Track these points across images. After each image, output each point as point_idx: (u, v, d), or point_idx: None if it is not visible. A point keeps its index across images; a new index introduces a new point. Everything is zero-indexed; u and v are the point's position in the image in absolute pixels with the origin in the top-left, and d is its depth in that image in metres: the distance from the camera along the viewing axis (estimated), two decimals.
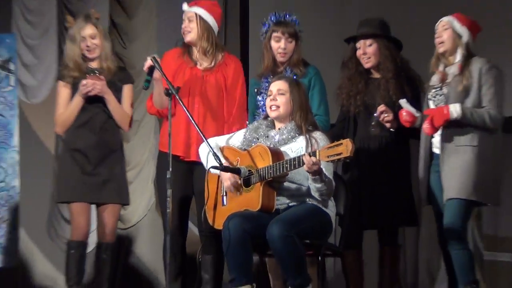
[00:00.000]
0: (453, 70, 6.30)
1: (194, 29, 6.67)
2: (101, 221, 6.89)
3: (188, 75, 6.65)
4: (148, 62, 6.33)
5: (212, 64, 6.70)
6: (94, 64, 6.94)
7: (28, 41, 9.47)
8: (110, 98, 6.82)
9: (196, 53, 6.74)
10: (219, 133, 6.49)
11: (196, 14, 6.68)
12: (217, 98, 6.66)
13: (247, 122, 6.63)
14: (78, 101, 6.83)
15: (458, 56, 6.30)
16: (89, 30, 6.88)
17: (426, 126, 6.14)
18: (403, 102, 6.35)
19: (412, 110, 6.33)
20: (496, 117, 6.16)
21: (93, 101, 6.80)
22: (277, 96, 6.03)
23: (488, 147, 6.23)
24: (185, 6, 6.76)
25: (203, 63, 6.72)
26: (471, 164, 6.16)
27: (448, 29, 6.31)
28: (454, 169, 6.18)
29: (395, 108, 6.42)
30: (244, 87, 6.78)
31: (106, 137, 6.87)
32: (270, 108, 6.06)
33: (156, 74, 6.35)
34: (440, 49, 6.34)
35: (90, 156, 6.82)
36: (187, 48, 6.76)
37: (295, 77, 6.46)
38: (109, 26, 9.22)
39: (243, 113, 6.72)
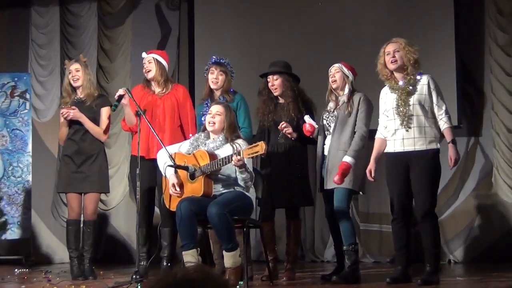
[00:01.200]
0: (343, 99, 6.30)
1: (153, 68, 6.71)
2: (85, 205, 6.83)
3: (149, 100, 6.61)
4: (118, 93, 6.35)
5: (165, 91, 6.70)
6: (79, 94, 6.87)
7: (39, 78, 9.37)
8: (83, 120, 6.74)
9: (154, 85, 6.75)
10: (174, 139, 6.50)
11: (153, 58, 6.73)
12: (171, 114, 6.64)
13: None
14: (64, 123, 6.82)
15: (346, 90, 6.30)
16: (75, 65, 6.85)
17: (337, 178, 6.01)
18: (306, 117, 6.37)
19: (313, 123, 6.36)
20: (364, 136, 6.18)
21: (75, 122, 6.75)
22: (215, 115, 6.02)
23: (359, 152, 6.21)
24: (144, 54, 6.81)
25: (159, 91, 6.71)
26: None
27: (339, 72, 6.31)
28: (337, 166, 6.11)
29: (294, 123, 6.46)
30: (191, 104, 6.85)
31: (84, 146, 6.79)
32: (209, 123, 6.05)
33: (124, 100, 6.37)
34: (334, 85, 6.32)
35: (75, 159, 6.77)
36: (146, 83, 6.80)
37: (225, 100, 6.47)
38: (96, 68, 9.17)
39: (193, 124, 6.70)
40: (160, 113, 6.62)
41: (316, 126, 6.36)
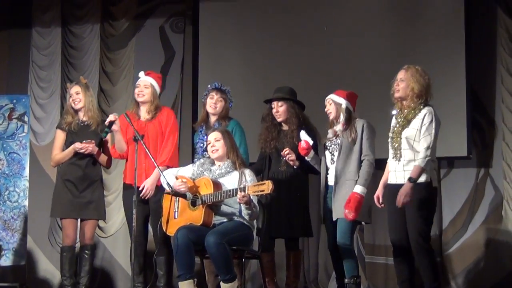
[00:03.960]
0: (339, 127, 6.31)
1: (148, 94, 6.71)
2: (83, 230, 6.86)
3: (135, 125, 6.52)
4: (109, 118, 6.38)
5: (151, 117, 6.68)
6: (82, 116, 6.89)
7: (39, 100, 9.38)
8: (97, 155, 6.82)
9: (142, 110, 6.74)
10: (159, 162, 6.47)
11: (151, 84, 6.73)
12: (155, 139, 6.63)
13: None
14: (70, 152, 6.81)
15: (341, 118, 6.30)
16: (75, 88, 6.91)
17: (347, 211, 5.99)
18: (303, 133, 6.35)
19: (308, 139, 6.31)
20: (372, 163, 6.18)
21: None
22: (214, 143, 6.09)
23: None
24: (141, 74, 6.80)
25: (146, 116, 6.70)
26: None
27: (331, 103, 6.34)
28: (343, 196, 6.12)
29: (297, 151, 6.40)
30: (174, 122, 6.78)
31: (89, 172, 6.85)
32: (212, 152, 6.12)
33: (115, 126, 6.40)
34: (330, 116, 6.35)
35: (78, 185, 6.79)
36: (135, 105, 6.80)
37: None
38: (98, 91, 9.17)
39: (171, 138, 6.66)
40: (146, 139, 6.54)
41: (312, 142, 6.32)
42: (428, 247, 5.73)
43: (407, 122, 5.73)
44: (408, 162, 5.71)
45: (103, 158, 6.88)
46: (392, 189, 5.79)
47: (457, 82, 7.94)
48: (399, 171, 5.74)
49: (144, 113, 6.72)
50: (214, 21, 8.96)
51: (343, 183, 6.19)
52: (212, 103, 6.64)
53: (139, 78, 6.83)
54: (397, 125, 5.77)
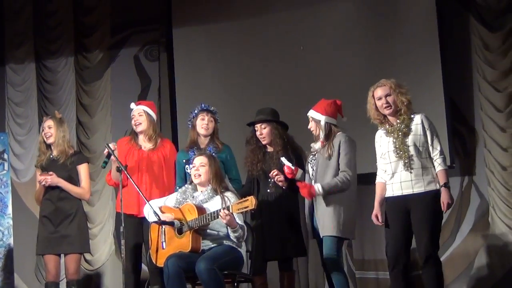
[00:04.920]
0: (317, 145, 6.32)
1: (144, 122, 6.71)
2: (66, 266, 6.78)
3: (136, 156, 6.60)
4: (107, 150, 6.34)
5: (153, 146, 6.66)
6: (53, 152, 6.87)
7: (17, 137, 9.37)
8: (62, 184, 6.75)
9: (141, 139, 6.73)
10: (163, 195, 6.47)
11: (144, 110, 6.70)
12: (158, 170, 6.63)
13: (176, 185, 6.63)
14: (39, 187, 6.81)
15: (321, 135, 6.28)
16: (48, 122, 6.88)
17: (304, 192, 6.11)
18: (282, 159, 6.33)
19: (290, 164, 6.30)
20: (346, 180, 6.12)
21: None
22: (199, 167, 6.07)
23: (347, 197, 6.18)
24: (133, 105, 6.79)
25: (147, 146, 6.69)
26: (334, 209, 6.12)
27: (311, 120, 6.33)
28: (322, 213, 6.14)
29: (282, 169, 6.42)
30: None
31: (62, 205, 6.77)
32: (194, 176, 6.09)
33: (113, 157, 6.33)
34: (315, 134, 6.35)
35: (52, 219, 6.74)
36: (133, 135, 6.76)
37: (215, 150, 6.53)
38: (76, 124, 9.14)
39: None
40: (149, 169, 6.58)
41: (293, 167, 6.30)
42: (437, 257, 5.74)
43: (407, 130, 5.77)
44: (417, 171, 5.72)
45: (74, 190, 6.78)
46: (397, 201, 5.79)
47: (435, 92, 7.96)
48: (407, 181, 5.74)
49: (144, 142, 6.72)
50: (188, 46, 8.98)
51: (321, 199, 6.16)
52: (204, 124, 6.62)
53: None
54: (398, 136, 5.77)
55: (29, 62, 9.44)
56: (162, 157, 6.66)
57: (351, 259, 8.23)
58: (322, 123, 6.24)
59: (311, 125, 6.33)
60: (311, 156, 6.35)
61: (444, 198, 5.66)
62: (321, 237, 6.16)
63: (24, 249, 8.73)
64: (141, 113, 6.71)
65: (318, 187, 6.07)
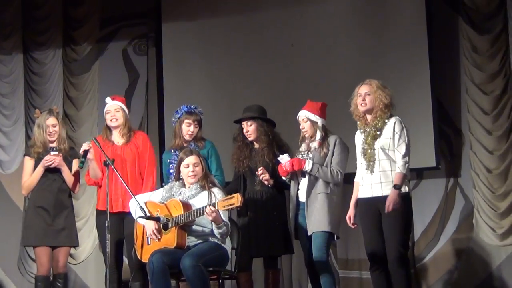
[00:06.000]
0: (314, 145, 6.35)
1: (120, 118, 6.66)
2: (56, 258, 6.70)
3: (110, 151, 6.51)
4: (83, 148, 6.30)
5: (126, 141, 6.64)
6: (53, 144, 6.78)
7: (3, 128, 9.30)
8: (65, 169, 6.70)
9: (115, 134, 6.68)
10: (138, 187, 6.46)
11: (120, 107, 6.68)
12: (132, 163, 6.58)
13: (159, 181, 6.71)
14: (40, 171, 6.66)
15: (318, 135, 6.33)
16: (51, 120, 6.75)
17: (286, 164, 6.19)
18: (281, 157, 6.34)
19: (287, 163, 6.29)
20: (337, 174, 6.22)
21: (52, 171, 6.66)
22: (194, 167, 6.03)
23: (336, 196, 6.27)
24: (108, 100, 6.73)
25: (120, 141, 6.65)
26: (326, 206, 6.16)
27: (307, 121, 6.35)
28: (316, 210, 6.17)
29: (270, 169, 6.47)
30: (151, 150, 6.75)
31: (61, 197, 6.73)
32: (190, 176, 6.05)
33: (90, 155, 6.33)
34: (306, 134, 6.39)
35: (50, 211, 6.66)
36: (106, 131, 6.72)
37: (197, 148, 6.48)
38: (62, 116, 9.04)
39: (153, 170, 6.67)
40: (124, 164, 6.54)
41: (288, 168, 6.29)
42: (406, 258, 5.79)
43: (378, 133, 5.80)
44: (384, 173, 5.75)
45: (70, 179, 6.75)
46: (368, 203, 5.83)
47: (422, 93, 7.99)
48: (376, 183, 5.78)
49: (117, 137, 6.66)
50: (177, 42, 8.96)
51: (314, 197, 6.22)
52: (190, 131, 6.61)
53: (105, 102, 6.78)
54: (368, 137, 5.82)
55: (16, 53, 9.36)
56: (135, 149, 6.61)
57: (335, 258, 8.25)
58: (320, 124, 6.32)
59: (305, 126, 6.36)
60: (301, 156, 6.36)
61: (389, 198, 5.67)
62: (310, 234, 6.18)
63: (6, 240, 8.72)
64: (117, 109, 6.65)
65: (309, 163, 6.15)
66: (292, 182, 6.41)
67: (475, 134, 7.99)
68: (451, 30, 8.21)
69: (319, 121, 6.32)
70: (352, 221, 5.97)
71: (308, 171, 6.20)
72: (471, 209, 8.01)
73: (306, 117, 6.35)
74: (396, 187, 5.68)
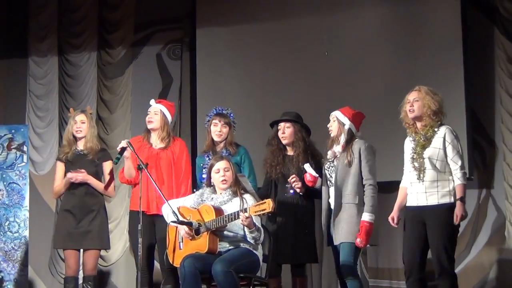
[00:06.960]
0: (338, 149, 6.25)
1: (157, 121, 6.68)
2: (85, 261, 6.79)
3: (146, 153, 6.57)
4: (121, 145, 6.33)
5: (164, 146, 6.66)
6: (80, 146, 6.85)
7: (37, 129, 9.40)
8: (90, 182, 6.76)
9: (153, 137, 6.71)
10: (170, 192, 6.48)
11: (160, 110, 6.69)
12: (167, 168, 6.60)
13: (193, 187, 6.65)
14: (66, 182, 6.77)
15: (342, 140, 6.23)
16: (81, 117, 6.85)
17: (359, 240, 5.97)
18: (306, 166, 6.32)
19: (313, 172, 6.30)
20: (375, 187, 6.11)
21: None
22: (224, 173, 6.02)
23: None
24: (152, 102, 6.77)
25: (158, 145, 6.67)
26: (354, 216, 6.08)
27: (335, 120, 6.27)
28: (343, 219, 6.10)
29: (302, 176, 6.39)
30: (188, 158, 6.77)
31: (87, 200, 6.78)
32: (222, 182, 6.03)
33: (126, 153, 6.35)
34: (331, 133, 6.31)
35: (76, 214, 6.73)
36: (146, 133, 6.75)
37: (229, 155, 6.49)
38: (96, 119, 9.12)
39: (188, 177, 6.69)
40: (158, 167, 6.57)
41: (317, 175, 6.30)
42: (452, 271, 5.73)
43: (427, 142, 5.75)
44: (431, 183, 5.70)
45: (100, 186, 6.80)
46: (413, 212, 5.78)
47: (456, 103, 7.93)
48: (421, 192, 5.73)
49: (155, 140, 6.69)
50: (211, 47, 8.98)
51: (341, 207, 6.14)
52: (217, 131, 6.60)
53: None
54: (417, 147, 5.76)
55: (52, 55, 9.46)
56: (171, 155, 6.63)
57: (365, 267, 8.22)
58: (346, 127, 6.22)
59: (332, 125, 6.28)
60: (329, 163, 6.31)
61: (457, 210, 5.62)
62: (336, 244, 6.14)
63: (39, 242, 8.78)
64: (156, 112, 6.68)
65: (369, 219, 5.99)
66: (323, 189, 6.33)
67: (509, 145, 7.93)
68: (486, 40, 8.17)
69: (347, 124, 6.21)
70: (395, 221, 5.93)
71: (371, 220, 6.00)
72: (503, 221, 7.95)
73: (336, 116, 6.27)
74: (462, 199, 5.63)
